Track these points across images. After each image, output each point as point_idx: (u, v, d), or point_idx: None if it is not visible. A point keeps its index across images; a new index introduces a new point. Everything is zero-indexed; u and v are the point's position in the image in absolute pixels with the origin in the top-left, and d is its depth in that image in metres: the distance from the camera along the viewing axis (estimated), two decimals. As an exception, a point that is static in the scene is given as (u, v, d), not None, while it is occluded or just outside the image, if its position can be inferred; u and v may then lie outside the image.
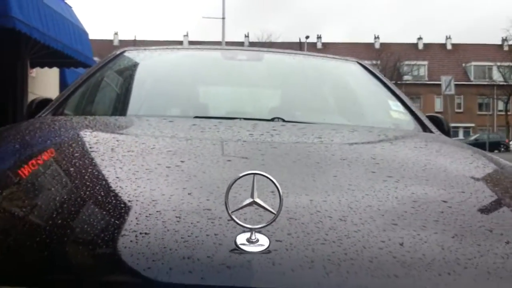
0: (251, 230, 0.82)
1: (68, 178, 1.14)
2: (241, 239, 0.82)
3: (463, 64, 56.32)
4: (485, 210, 1.07)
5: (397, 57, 49.80)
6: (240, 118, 1.93)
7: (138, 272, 0.78)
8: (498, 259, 0.87)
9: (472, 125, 53.94)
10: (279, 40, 50.78)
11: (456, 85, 52.12)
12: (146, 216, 0.90)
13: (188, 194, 0.99)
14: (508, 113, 48.11)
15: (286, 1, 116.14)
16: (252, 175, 0.85)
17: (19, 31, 7.98)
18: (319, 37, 59.20)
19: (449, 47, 58.90)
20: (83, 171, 1.16)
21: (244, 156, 1.29)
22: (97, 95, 2.47)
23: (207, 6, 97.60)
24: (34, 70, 11.77)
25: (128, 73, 2.65)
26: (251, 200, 0.85)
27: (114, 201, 0.97)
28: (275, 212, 0.83)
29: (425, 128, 2.17)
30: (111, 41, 55.36)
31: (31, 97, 11.17)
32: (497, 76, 50.01)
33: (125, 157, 1.24)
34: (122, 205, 0.95)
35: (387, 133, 1.91)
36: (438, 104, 51.18)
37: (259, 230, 0.83)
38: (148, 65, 2.72)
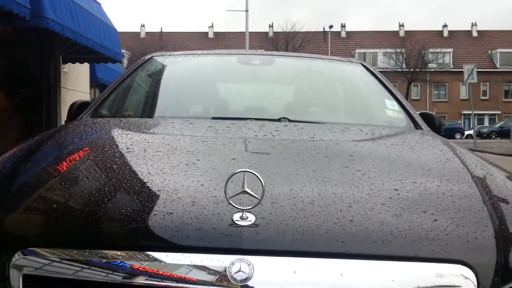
0: (242, 210, 1.11)
1: (112, 172, 1.46)
2: (236, 217, 1.11)
3: (489, 51, 55.28)
4: (427, 196, 1.31)
5: (421, 45, 49.22)
6: (251, 119, 2.28)
7: (165, 239, 1.11)
8: (423, 232, 1.14)
9: (498, 112, 53.19)
10: (304, 30, 50.55)
11: (481, 72, 51.49)
12: (171, 201, 1.21)
13: (201, 185, 1.30)
14: (535, 100, 47.31)
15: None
16: (243, 172, 1.17)
17: (52, 30, 8.46)
18: (343, 26, 58.66)
19: (474, 34, 57.80)
20: (123, 167, 1.50)
21: (246, 155, 1.64)
22: (129, 98, 2.84)
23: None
24: (66, 65, 12.30)
25: (155, 77, 3.03)
26: (242, 189, 1.15)
27: (148, 191, 1.30)
28: (259, 198, 1.13)
29: (416, 125, 2.46)
30: (138, 33, 55.75)
31: (63, 91, 11.72)
32: (523, 63, 49.17)
33: (154, 156, 1.57)
34: (154, 193, 1.28)
35: (374, 132, 2.22)
36: (463, 92, 50.57)
37: (249, 211, 1.11)
38: (173, 70, 3.09)
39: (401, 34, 56.87)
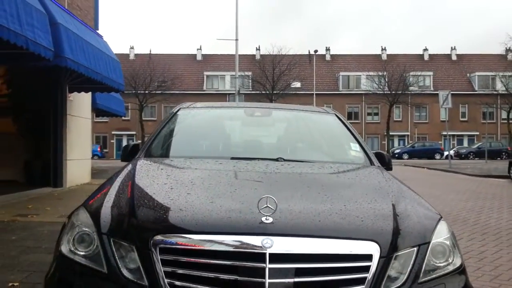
0: (266, 215, 2.06)
1: (191, 195, 2.43)
2: (263, 219, 2.05)
3: (468, 74, 57.04)
4: (361, 209, 2.31)
5: (403, 68, 50.87)
6: (258, 159, 3.40)
7: (229, 229, 2.03)
8: (356, 226, 2.12)
9: (477, 133, 54.73)
10: (290, 53, 52.06)
11: (461, 94, 53.44)
12: (229, 211, 2.17)
13: (241, 204, 2.26)
14: (511, 121, 48.38)
15: (298, 14, 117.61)
16: (266, 197, 2.26)
17: (70, 68, 9.54)
18: (327, 49, 60.40)
19: (454, 57, 59.67)
20: (196, 192, 2.47)
21: (263, 186, 2.72)
22: (168, 142, 3.87)
23: (220, 21, 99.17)
24: (72, 94, 13.32)
25: (186, 125, 4.10)
26: (266, 205, 2.11)
27: (217, 207, 2.22)
28: (274, 209, 2.10)
29: (371, 162, 3.60)
30: (127, 55, 56.85)
31: (69, 118, 12.73)
32: (500, 86, 50.59)
33: (211, 186, 2.59)
34: (220, 208, 2.20)
35: (340, 168, 3.37)
36: (443, 114, 51.70)
37: (269, 216, 2.07)
38: (199, 120, 4.20)
39: (384, 57, 58.70)
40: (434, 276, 2.20)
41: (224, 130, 4.14)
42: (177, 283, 2.00)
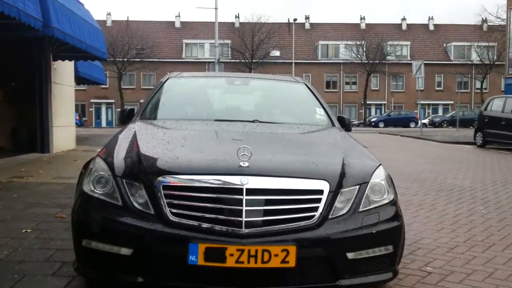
0: (243, 160, 2.71)
1: (185, 147, 3.08)
2: (241, 163, 2.69)
3: (444, 44, 57.87)
4: (318, 158, 3.06)
5: (381, 38, 51.46)
6: (237, 120, 4.04)
7: (216, 170, 2.71)
8: (312, 169, 2.82)
9: (451, 102, 55.71)
10: (270, 21, 52.19)
11: (437, 64, 54.47)
12: (216, 159, 2.84)
13: (225, 153, 2.92)
14: (484, 91, 49.80)
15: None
16: (244, 147, 2.92)
17: (56, 37, 9.95)
18: (307, 18, 60.57)
19: (431, 27, 60.34)
20: (189, 145, 3.12)
21: (241, 139, 3.33)
22: (160, 107, 4.46)
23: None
24: (56, 63, 13.66)
25: (175, 92, 4.69)
26: (243, 153, 2.76)
27: (206, 157, 2.89)
28: (249, 156, 2.80)
29: (333, 124, 4.26)
30: (104, 22, 56.07)
31: (53, 85, 13.12)
32: (475, 56, 51.66)
33: (201, 141, 3.30)
34: (210, 157, 2.87)
35: (305, 128, 4.02)
36: (418, 83, 53.31)
37: (246, 161, 2.71)
38: (187, 87, 4.81)
39: (362, 26, 59.08)
40: (371, 207, 2.85)
41: (209, 96, 4.77)
42: (176, 211, 2.62)
